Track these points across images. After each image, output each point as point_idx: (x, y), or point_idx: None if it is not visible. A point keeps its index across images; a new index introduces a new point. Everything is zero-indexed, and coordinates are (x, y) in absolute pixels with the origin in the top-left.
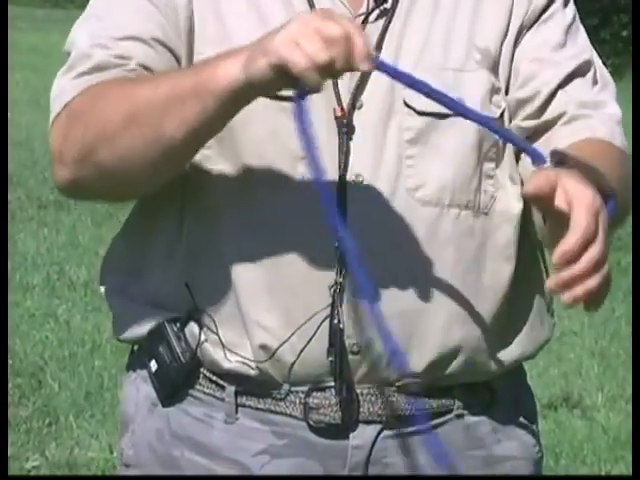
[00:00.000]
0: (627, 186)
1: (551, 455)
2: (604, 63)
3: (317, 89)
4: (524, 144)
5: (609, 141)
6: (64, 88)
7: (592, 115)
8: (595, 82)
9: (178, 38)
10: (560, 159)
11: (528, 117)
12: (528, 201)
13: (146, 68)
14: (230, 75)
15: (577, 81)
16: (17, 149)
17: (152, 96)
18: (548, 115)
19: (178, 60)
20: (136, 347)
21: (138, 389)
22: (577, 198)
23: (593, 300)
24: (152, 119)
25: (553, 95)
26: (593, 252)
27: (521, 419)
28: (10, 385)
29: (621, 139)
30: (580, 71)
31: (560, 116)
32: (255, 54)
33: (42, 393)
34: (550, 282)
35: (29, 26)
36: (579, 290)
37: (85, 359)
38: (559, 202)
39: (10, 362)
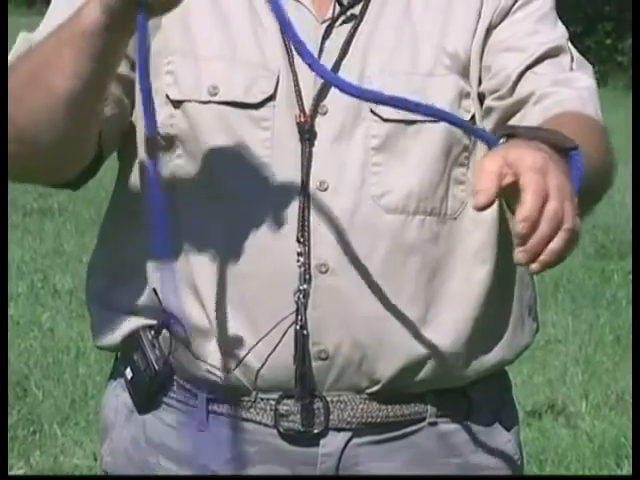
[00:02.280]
0: (600, 150)
1: (535, 462)
2: None
3: (158, 9)
4: (477, 131)
5: (578, 110)
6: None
7: (562, 91)
8: (569, 65)
9: None
10: (509, 133)
11: (499, 98)
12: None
13: None
14: (92, 14)
15: (548, 62)
16: None
17: (39, 53)
18: (517, 95)
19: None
20: (120, 354)
21: (117, 396)
22: (520, 164)
23: (561, 258)
24: (40, 75)
25: (522, 76)
26: (550, 209)
27: (501, 428)
28: None
29: (594, 109)
30: (552, 54)
31: (530, 95)
32: None
33: (27, 401)
34: (517, 255)
35: (16, 34)
36: (545, 256)
37: (69, 367)
38: (507, 179)
39: None
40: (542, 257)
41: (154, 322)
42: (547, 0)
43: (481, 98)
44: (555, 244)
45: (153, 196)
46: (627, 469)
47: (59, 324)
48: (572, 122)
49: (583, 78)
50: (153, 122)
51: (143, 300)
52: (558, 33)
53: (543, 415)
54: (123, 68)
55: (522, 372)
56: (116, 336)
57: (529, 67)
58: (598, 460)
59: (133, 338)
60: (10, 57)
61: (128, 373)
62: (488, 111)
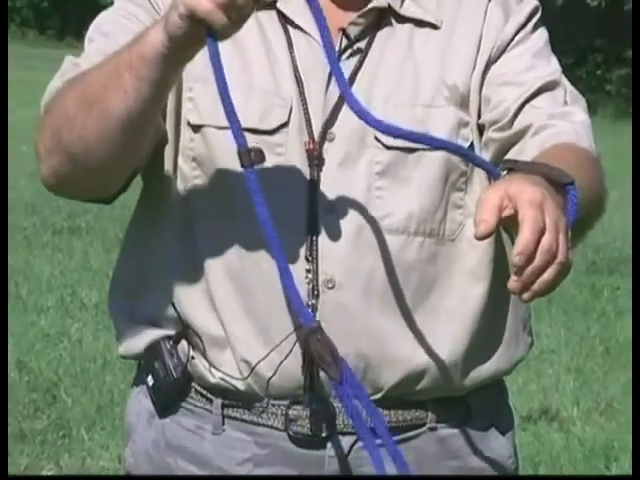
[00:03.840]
0: (593, 181)
1: (530, 465)
2: None
3: (227, 31)
4: (481, 161)
5: (573, 142)
6: (48, 91)
7: (558, 124)
8: (564, 98)
9: None
10: (510, 167)
11: (498, 129)
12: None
13: None
14: (155, 40)
15: (545, 95)
16: (33, 179)
17: (98, 76)
18: (517, 127)
19: None
20: (143, 363)
21: (140, 402)
22: (519, 198)
23: (551, 288)
24: (97, 96)
25: (521, 109)
26: (545, 243)
27: (497, 432)
28: (26, 400)
29: (588, 141)
30: (548, 88)
31: (528, 127)
32: (168, 12)
33: (56, 407)
34: (511, 284)
35: (48, 66)
36: (537, 286)
37: (96, 375)
38: (507, 212)
39: (26, 378)
40: (534, 287)
41: (173, 333)
42: (542, 35)
43: (481, 129)
44: (547, 276)
45: (260, 212)
46: (616, 471)
47: (86, 335)
48: (567, 154)
49: (578, 112)
50: (240, 135)
51: (162, 312)
52: (553, 67)
53: (537, 420)
54: None
55: (518, 380)
56: (138, 346)
57: (527, 100)
58: (589, 463)
59: (154, 348)
60: (57, 81)
61: (149, 380)
62: (488, 142)
